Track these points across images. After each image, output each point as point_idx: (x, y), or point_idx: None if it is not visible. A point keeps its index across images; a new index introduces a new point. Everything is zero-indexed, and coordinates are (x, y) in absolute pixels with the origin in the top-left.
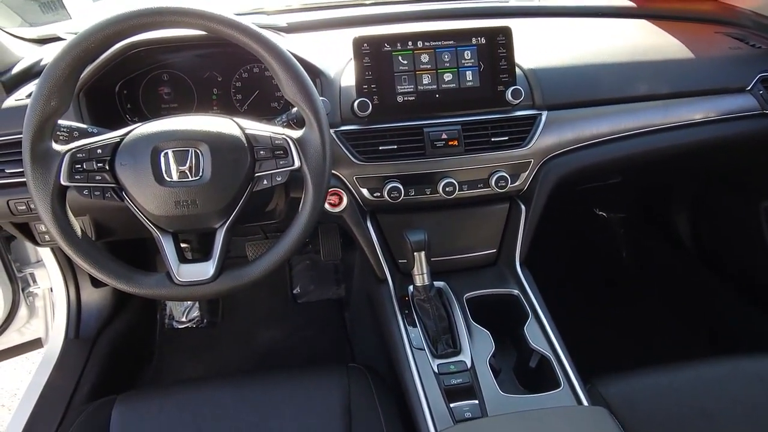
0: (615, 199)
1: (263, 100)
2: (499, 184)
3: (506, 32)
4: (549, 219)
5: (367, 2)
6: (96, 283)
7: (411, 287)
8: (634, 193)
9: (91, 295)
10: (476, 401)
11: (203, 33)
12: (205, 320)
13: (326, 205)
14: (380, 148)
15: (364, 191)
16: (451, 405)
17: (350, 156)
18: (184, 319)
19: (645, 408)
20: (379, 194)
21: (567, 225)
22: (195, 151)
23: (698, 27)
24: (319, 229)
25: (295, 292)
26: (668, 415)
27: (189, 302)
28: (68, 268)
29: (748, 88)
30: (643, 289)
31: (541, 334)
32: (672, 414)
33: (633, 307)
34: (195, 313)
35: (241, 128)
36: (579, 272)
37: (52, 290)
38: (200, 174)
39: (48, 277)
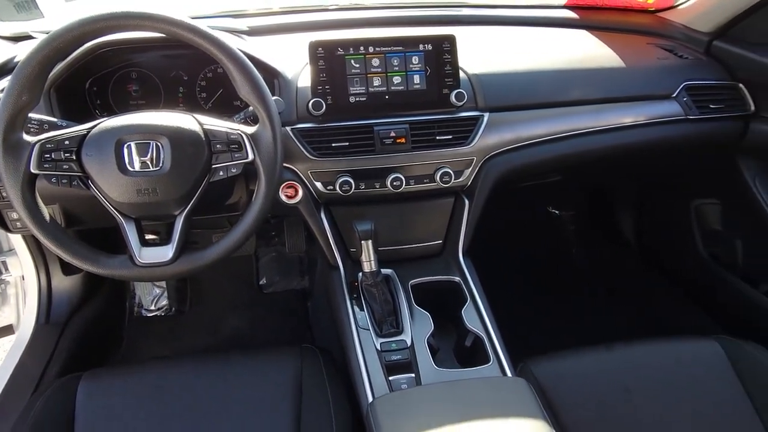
0: (566, 199)
1: (226, 99)
2: (444, 180)
3: (451, 40)
4: (505, 216)
5: (331, 7)
6: (66, 270)
7: (360, 274)
8: (583, 193)
9: (61, 282)
10: (413, 375)
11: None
12: (173, 309)
13: (283, 197)
14: (333, 144)
15: (318, 184)
16: (390, 378)
17: (305, 152)
18: (152, 308)
19: (571, 385)
20: (331, 187)
21: (522, 222)
22: (156, 144)
23: (633, 38)
24: (285, 224)
25: (261, 282)
26: (592, 391)
27: (158, 291)
28: (39, 255)
29: (674, 95)
30: (588, 282)
31: (477, 317)
32: (596, 390)
33: (576, 298)
34: (164, 301)
35: (200, 123)
36: (530, 266)
37: (23, 278)
38: (161, 165)
39: (20, 265)
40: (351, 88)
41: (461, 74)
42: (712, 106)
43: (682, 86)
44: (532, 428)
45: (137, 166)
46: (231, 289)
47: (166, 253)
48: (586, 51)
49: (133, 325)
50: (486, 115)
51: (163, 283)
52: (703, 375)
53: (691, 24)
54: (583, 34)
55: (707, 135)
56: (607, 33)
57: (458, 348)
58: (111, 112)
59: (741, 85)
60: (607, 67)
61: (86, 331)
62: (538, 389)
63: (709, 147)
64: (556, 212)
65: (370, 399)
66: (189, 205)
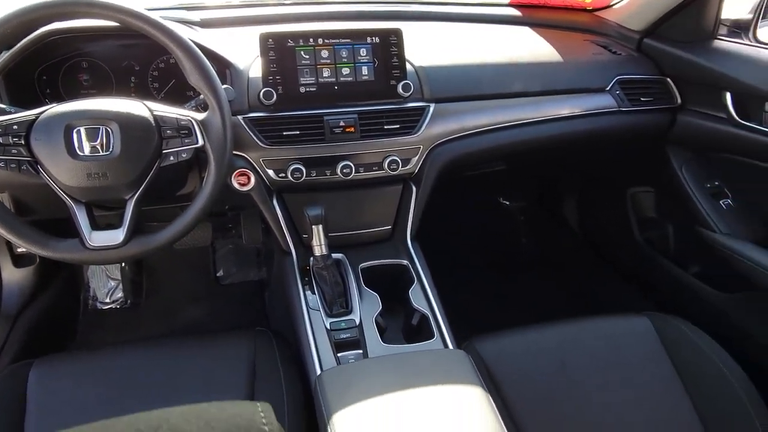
0: (516, 190)
1: (178, 90)
2: (392, 167)
3: (397, 33)
4: (459, 207)
5: (286, 2)
6: (17, 263)
7: (312, 258)
8: (532, 185)
9: (12, 275)
10: (360, 351)
11: (117, 24)
12: (128, 301)
13: (236, 185)
14: (284, 133)
15: (270, 172)
16: (338, 354)
17: (257, 140)
18: (107, 300)
19: (512, 360)
20: (283, 175)
21: (474, 212)
22: (105, 129)
23: (571, 35)
24: (241, 216)
25: (218, 274)
26: (532, 366)
27: (113, 284)
28: None
29: (607, 88)
30: (535, 266)
31: (423, 297)
32: (535, 365)
33: (522, 282)
34: (119, 294)
35: (150, 110)
36: (479, 252)
37: None
38: (110, 149)
39: None
40: (301, 79)
41: (408, 67)
42: (642, 99)
43: (615, 80)
44: (468, 394)
45: (87, 151)
46: (187, 281)
47: (117, 236)
48: (527, 47)
49: (87, 318)
50: (432, 106)
51: (118, 275)
52: (633, 348)
53: (624, 22)
54: (526, 31)
55: (638, 126)
56: (547, 30)
57: (405, 327)
58: (61, 101)
59: (668, 79)
60: (546, 62)
61: (38, 323)
62: (481, 365)
63: (641, 137)
64: (507, 203)
65: (318, 371)
66: (140, 190)
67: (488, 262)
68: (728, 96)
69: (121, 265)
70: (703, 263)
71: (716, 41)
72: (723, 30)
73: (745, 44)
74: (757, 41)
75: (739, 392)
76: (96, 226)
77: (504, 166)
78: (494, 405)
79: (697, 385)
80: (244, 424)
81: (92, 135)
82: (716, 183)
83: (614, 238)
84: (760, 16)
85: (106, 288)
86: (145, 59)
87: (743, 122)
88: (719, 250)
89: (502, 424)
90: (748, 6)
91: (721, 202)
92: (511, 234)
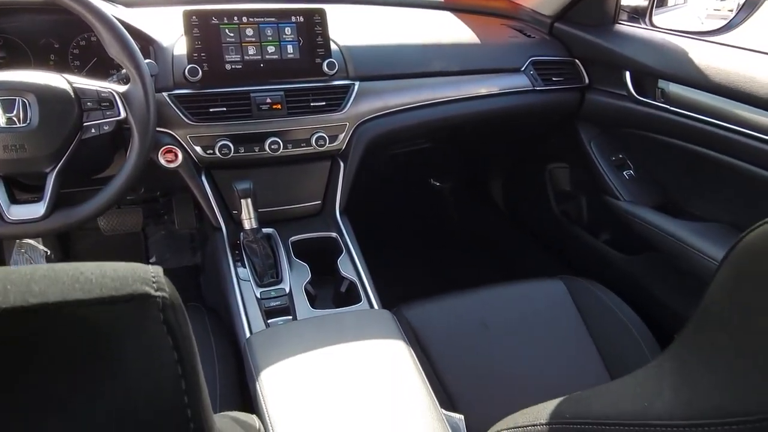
0: (446, 172)
1: (101, 67)
2: (319, 144)
3: (321, 13)
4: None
5: None
6: None
7: (242, 233)
8: (460, 166)
9: None
10: (290, 317)
11: None
12: None
13: (163, 161)
14: (210, 110)
15: (198, 149)
16: (269, 321)
17: (183, 117)
18: None
19: (438, 324)
20: (211, 151)
21: (406, 193)
22: (22, 101)
23: (489, 20)
24: (173, 200)
25: (151, 260)
26: (456, 328)
27: None
28: None
29: (522, 69)
30: (463, 242)
31: (351, 265)
32: (459, 327)
33: (450, 253)
34: None
35: (69, 82)
36: (410, 228)
37: None
38: (28, 121)
39: None
40: (226, 56)
41: (333, 46)
42: (554, 78)
43: (528, 61)
44: (391, 348)
45: (2, 122)
46: None
47: (38, 209)
48: (447, 29)
49: None
50: (356, 84)
51: (43, 263)
52: (548, 308)
53: (537, 8)
54: (446, 15)
55: (551, 104)
56: (467, 15)
57: (334, 294)
58: None
59: (577, 61)
60: (465, 44)
61: None
62: (409, 330)
63: (554, 114)
64: (437, 183)
65: (248, 335)
66: (60, 162)
67: (418, 238)
68: (628, 75)
69: (47, 253)
70: (611, 229)
71: (617, 26)
72: (624, 16)
73: (642, 28)
74: (653, 26)
75: (639, 341)
76: (15, 200)
77: (428, 144)
78: (416, 358)
79: (604, 337)
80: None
81: (8, 106)
82: (620, 156)
83: (535, 212)
84: (655, 3)
85: None
86: (64, 36)
87: (641, 98)
88: (623, 216)
89: (423, 373)
90: None
91: (624, 173)
92: (441, 213)
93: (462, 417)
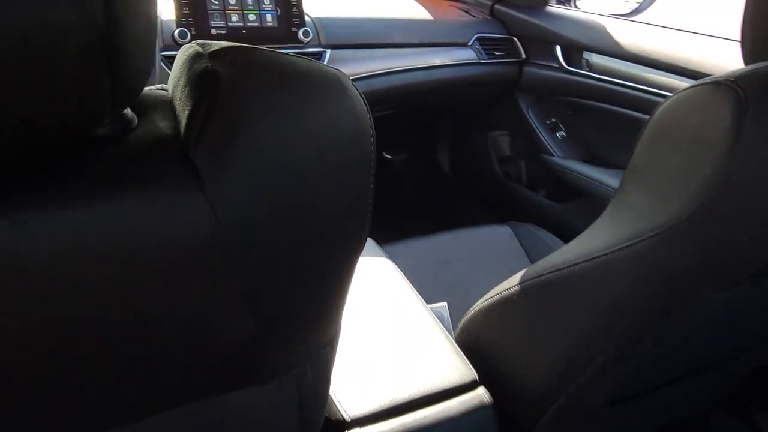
0: (398, 144)
1: None
2: None
3: None
4: None
5: None
6: None
7: None
8: (410, 138)
9: None
10: None
11: None
12: None
13: None
14: None
15: None
16: None
17: None
18: None
19: (399, 263)
20: None
21: None
22: None
23: (440, 1)
24: None
25: None
26: (415, 266)
27: None
28: None
29: (469, 43)
30: (415, 211)
31: None
32: (418, 265)
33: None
34: None
35: None
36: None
37: None
38: None
39: None
40: (212, 22)
41: (306, 17)
42: (496, 53)
43: (474, 37)
44: (373, 262)
45: None
46: None
47: None
48: (405, 6)
49: None
50: (328, 52)
51: None
52: (499, 249)
53: None
54: None
55: (494, 75)
56: None
57: None
58: None
59: (515, 38)
60: (421, 19)
61: None
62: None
63: (496, 85)
64: (389, 156)
65: None
66: None
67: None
68: (558, 49)
69: None
70: (547, 183)
71: (548, 7)
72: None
73: (569, 9)
74: (576, 7)
75: None
76: None
77: (390, 111)
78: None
79: None
80: None
81: None
82: (553, 119)
83: (480, 176)
84: None
85: None
86: None
87: (570, 68)
88: (557, 170)
89: (406, 278)
90: None
91: (557, 134)
92: (393, 184)
93: (445, 304)
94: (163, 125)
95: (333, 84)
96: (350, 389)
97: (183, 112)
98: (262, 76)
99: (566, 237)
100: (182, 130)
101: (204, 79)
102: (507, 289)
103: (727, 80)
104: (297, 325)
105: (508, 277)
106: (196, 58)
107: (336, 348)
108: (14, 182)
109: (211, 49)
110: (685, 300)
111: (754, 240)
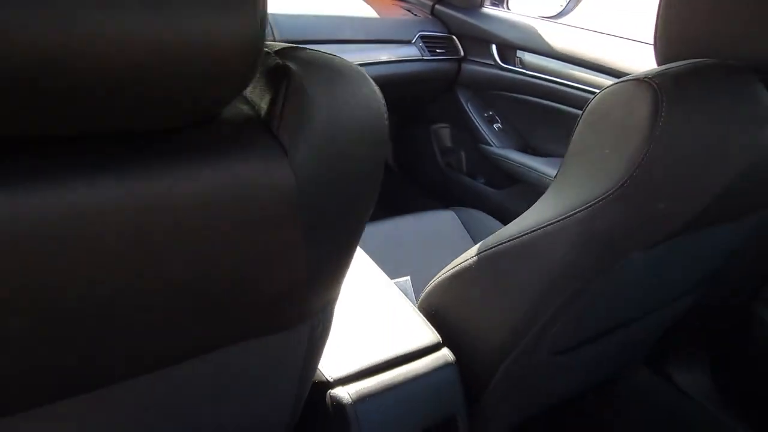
0: None
1: None
2: None
3: None
4: None
5: None
6: None
7: None
8: None
9: None
10: None
11: None
12: None
13: None
14: None
15: None
16: None
17: None
18: None
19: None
20: None
21: None
22: None
23: (386, 1)
24: None
25: None
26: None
27: None
28: None
29: (412, 41)
30: None
31: None
32: (375, 246)
33: None
34: None
35: None
36: None
37: None
38: None
39: None
40: None
41: None
42: (438, 51)
43: (417, 35)
44: None
45: None
46: None
47: None
48: (353, 5)
49: None
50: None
51: None
52: (446, 232)
53: None
54: None
55: (436, 71)
56: None
57: None
58: None
59: (454, 37)
60: (368, 17)
61: None
62: None
63: (437, 80)
64: None
65: None
66: None
67: None
68: (494, 48)
69: None
70: (486, 172)
71: (484, 8)
72: (488, 1)
73: (502, 11)
74: (508, 9)
75: None
76: None
77: None
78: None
79: None
80: None
81: None
82: (490, 113)
83: (423, 167)
84: None
85: None
86: None
87: (504, 66)
88: (495, 159)
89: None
90: None
91: (494, 125)
92: None
93: (408, 278)
94: (244, 108)
95: (361, 76)
96: (330, 355)
97: (261, 98)
98: (317, 69)
99: (505, 220)
100: (262, 112)
101: (278, 72)
102: (462, 262)
103: (646, 78)
104: (331, 273)
105: (456, 256)
106: (264, 55)
107: (335, 307)
108: (155, 147)
109: (276, 48)
110: (617, 258)
111: (667, 208)
